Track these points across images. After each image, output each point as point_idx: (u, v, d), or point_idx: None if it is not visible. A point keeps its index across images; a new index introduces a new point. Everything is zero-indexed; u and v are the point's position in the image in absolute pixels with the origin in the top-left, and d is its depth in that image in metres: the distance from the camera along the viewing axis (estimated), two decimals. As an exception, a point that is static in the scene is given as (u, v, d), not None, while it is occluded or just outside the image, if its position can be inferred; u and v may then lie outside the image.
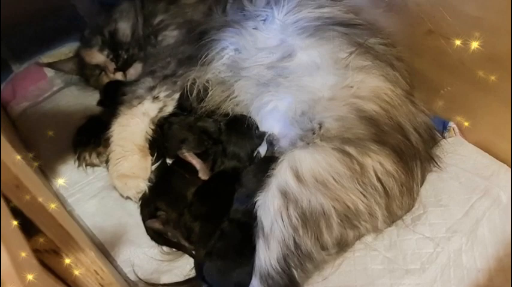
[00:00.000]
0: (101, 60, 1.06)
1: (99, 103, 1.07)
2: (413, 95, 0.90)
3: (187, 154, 0.92)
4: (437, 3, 0.86)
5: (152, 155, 0.95)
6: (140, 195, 0.91)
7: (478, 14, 0.80)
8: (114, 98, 0.98)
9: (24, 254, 0.36)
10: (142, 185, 0.91)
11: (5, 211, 0.37)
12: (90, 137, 0.98)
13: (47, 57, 1.15)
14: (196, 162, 0.92)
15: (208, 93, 0.95)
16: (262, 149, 0.94)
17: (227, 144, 0.93)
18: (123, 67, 1.05)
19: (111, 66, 1.05)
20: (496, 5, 0.76)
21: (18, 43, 1.15)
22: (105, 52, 1.05)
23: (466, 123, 0.96)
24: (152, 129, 0.96)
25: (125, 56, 1.04)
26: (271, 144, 0.91)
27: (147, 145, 0.95)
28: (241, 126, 0.93)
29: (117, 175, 0.92)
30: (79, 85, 1.13)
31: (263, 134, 0.93)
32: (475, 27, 0.80)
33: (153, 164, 0.94)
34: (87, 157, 0.97)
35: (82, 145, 0.98)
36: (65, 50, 1.17)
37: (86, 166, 0.98)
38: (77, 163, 0.98)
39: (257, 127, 0.93)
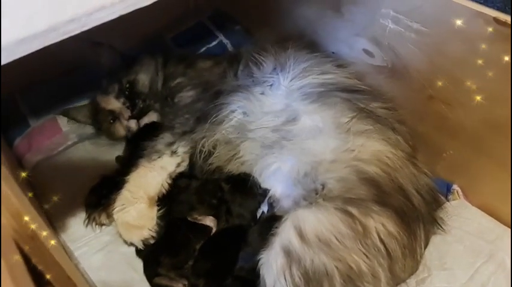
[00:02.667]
0: (116, 106, 1.10)
1: (118, 159, 1.11)
2: (416, 158, 0.92)
3: (200, 218, 0.94)
4: (437, 71, 0.90)
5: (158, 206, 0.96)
6: (146, 241, 0.92)
7: (477, 82, 0.83)
8: (134, 153, 1.02)
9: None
10: (146, 233, 0.92)
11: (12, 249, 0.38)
12: (101, 199, 1.00)
13: (62, 113, 1.20)
14: (209, 221, 0.94)
15: (215, 152, 0.98)
16: (265, 208, 0.95)
17: (232, 204, 0.95)
18: (138, 115, 1.09)
19: (126, 113, 1.08)
20: (494, 74, 0.80)
21: (37, 99, 1.22)
22: (121, 99, 1.09)
23: (469, 187, 0.98)
24: (169, 184, 0.98)
25: (141, 105, 1.09)
26: (271, 206, 0.93)
27: (156, 198, 0.97)
28: (245, 186, 0.95)
29: (122, 222, 0.94)
30: (92, 140, 1.17)
31: (265, 191, 0.94)
32: (474, 94, 0.83)
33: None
34: (97, 218, 1.00)
35: (93, 206, 1.00)
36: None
37: (95, 225, 1.00)
38: (86, 221, 1.00)
39: (260, 186, 0.95)
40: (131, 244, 0.94)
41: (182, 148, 0.99)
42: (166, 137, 1.01)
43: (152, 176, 0.97)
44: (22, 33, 0.45)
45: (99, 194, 1.01)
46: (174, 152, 0.99)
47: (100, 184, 1.03)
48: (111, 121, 1.11)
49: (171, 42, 1.37)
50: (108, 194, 0.98)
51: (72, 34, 0.48)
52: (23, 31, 0.45)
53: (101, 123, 1.14)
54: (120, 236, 0.95)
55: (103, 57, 1.14)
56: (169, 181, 0.98)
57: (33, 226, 0.42)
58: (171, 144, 0.99)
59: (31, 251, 0.41)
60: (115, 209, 0.95)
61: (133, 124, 1.09)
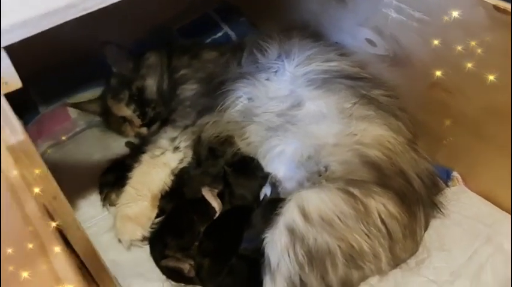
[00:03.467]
0: (128, 114, 1.12)
1: (128, 145, 1.14)
2: (417, 144, 0.95)
3: (210, 193, 0.96)
4: (438, 59, 0.92)
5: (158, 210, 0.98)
6: (132, 243, 0.94)
7: (477, 69, 0.85)
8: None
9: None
10: (139, 234, 0.94)
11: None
12: (116, 178, 1.03)
13: (71, 100, 1.22)
14: (216, 203, 0.96)
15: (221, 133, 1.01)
16: (268, 191, 0.97)
17: (234, 186, 0.97)
18: (149, 124, 1.10)
19: (138, 122, 1.10)
20: (494, 61, 0.82)
21: (46, 87, 1.24)
22: (132, 107, 1.11)
23: (468, 173, 1.00)
24: (171, 180, 0.99)
25: (152, 114, 1.10)
26: (274, 186, 0.95)
27: (159, 196, 0.98)
28: (247, 169, 0.98)
29: (122, 214, 0.96)
30: (101, 127, 1.20)
31: (267, 175, 0.97)
32: (475, 81, 0.85)
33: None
34: (114, 197, 1.02)
35: (109, 185, 1.03)
36: (88, 95, 1.24)
37: (110, 205, 1.02)
38: (102, 200, 1.03)
39: (262, 169, 0.98)
40: (119, 241, 0.95)
41: (184, 143, 1.01)
42: (169, 131, 1.03)
43: (155, 173, 0.99)
44: (43, 9, 0.47)
45: (113, 175, 1.04)
46: (176, 148, 1.01)
47: (113, 166, 1.06)
48: (122, 121, 1.14)
49: (177, 33, 1.39)
50: (121, 176, 1.00)
51: (91, 11, 0.50)
52: (45, 6, 0.47)
53: (112, 123, 1.17)
54: (114, 230, 0.96)
55: (111, 56, 1.16)
56: (172, 178, 1.00)
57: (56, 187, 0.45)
58: (173, 139, 1.01)
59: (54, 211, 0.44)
60: (119, 204, 0.97)
61: (144, 131, 1.11)
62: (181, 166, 1.01)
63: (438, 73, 0.92)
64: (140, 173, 0.99)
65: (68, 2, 0.48)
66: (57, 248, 0.41)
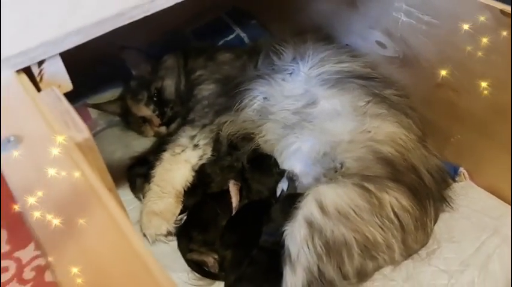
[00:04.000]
0: (147, 114, 1.16)
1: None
2: (426, 141, 0.98)
3: (236, 187, 1.01)
4: (446, 60, 0.96)
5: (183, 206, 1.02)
6: (156, 238, 0.98)
7: (483, 70, 0.89)
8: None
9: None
10: (164, 228, 0.97)
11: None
12: (145, 170, 1.07)
13: (92, 100, 1.26)
14: (235, 198, 1.01)
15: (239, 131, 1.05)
16: (285, 186, 1.01)
17: (251, 181, 1.02)
18: (168, 123, 1.15)
19: (157, 121, 1.15)
20: (499, 63, 0.86)
21: (67, 87, 1.28)
22: (151, 107, 1.15)
23: (475, 169, 1.04)
24: (192, 177, 1.03)
25: (170, 114, 1.14)
26: (291, 180, 0.99)
27: (183, 192, 1.02)
28: (263, 165, 1.02)
29: (148, 210, 1.00)
30: (121, 126, 1.24)
31: (283, 171, 1.01)
32: (480, 82, 0.88)
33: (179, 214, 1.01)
34: (142, 186, 1.05)
35: (140, 177, 1.07)
36: (108, 96, 1.28)
37: (143, 197, 1.04)
38: (120, 195, 1.05)
39: (278, 166, 1.02)
40: (144, 236, 0.98)
41: (203, 140, 1.05)
42: (188, 130, 1.06)
43: (177, 169, 1.03)
44: (96, 17, 0.52)
45: (141, 167, 1.09)
46: (196, 145, 1.04)
47: (138, 161, 1.11)
48: (142, 122, 1.18)
49: (192, 34, 1.43)
50: (148, 169, 1.05)
51: (136, 19, 0.55)
52: (97, 15, 0.52)
53: (132, 123, 1.21)
54: (140, 226, 0.99)
55: (130, 60, 1.20)
56: (193, 174, 1.04)
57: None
58: (193, 137, 1.05)
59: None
60: (144, 201, 1.01)
61: (163, 130, 1.16)
62: (201, 162, 1.05)
63: (445, 74, 0.95)
64: (163, 171, 1.02)
65: (118, 10, 0.52)
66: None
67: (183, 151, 1.04)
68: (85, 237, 0.39)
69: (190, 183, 1.03)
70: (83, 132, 0.45)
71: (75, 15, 0.52)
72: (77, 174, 0.41)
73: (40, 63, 0.51)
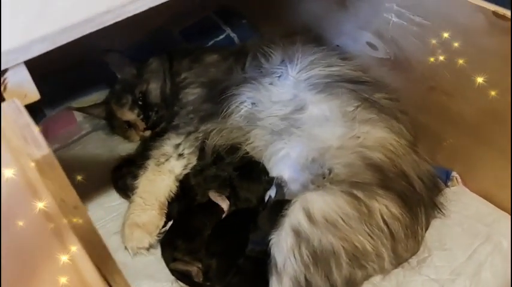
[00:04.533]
0: (132, 118, 1.13)
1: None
2: (417, 146, 0.97)
3: (219, 197, 0.99)
4: (438, 63, 0.93)
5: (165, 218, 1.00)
6: (138, 251, 0.95)
7: (476, 73, 0.86)
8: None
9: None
10: (146, 242, 0.95)
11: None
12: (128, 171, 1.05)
13: (77, 104, 1.23)
14: (225, 204, 0.99)
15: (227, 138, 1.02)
16: (273, 193, 0.99)
17: (239, 189, 1.00)
18: (153, 127, 1.12)
19: (142, 125, 1.12)
20: (492, 65, 0.83)
21: (52, 90, 1.25)
22: (136, 111, 1.12)
23: (467, 174, 1.02)
24: (176, 186, 1.01)
25: (155, 118, 1.11)
26: (280, 186, 0.97)
27: (166, 204, 1.00)
28: (252, 172, 1.00)
29: (130, 222, 0.97)
30: (106, 130, 1.21)
31: (271, 179, 0.99)
32: (473, 85, 0.86)
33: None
34: (130, 180, 1.03)
35: (127, 174, 1.05)
36: (94, 98, 1.25)
37: (129, 193, 1.02)
38: (105, 202, 1.06)
39: (267, 173, 1.00)
40: (126, 249, 0.96)
41: (188, 149, 1.02)
42: (172, 137, 1.04)
43: (161, 180, 1.00)
44: (63, 24, 0.49)
45: (126, 168, 1.07)
46: (180, 155, 1.02)
47: (123, 163, 1.09)
48: (127, 127, 1.15)
49: (179, 36, 1.40)
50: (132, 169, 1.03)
51: (106, 25, 0.52)
52: (64, 21, 0.49)
53: (116, 127, 1.18)
54: (122, 237, 0.97)
55: (113, 63, 1.18)
56: (177, 184, 1.01)
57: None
58: (177, 146, 1.02)
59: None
60: (127, 213, 0.99)
61: (148, 134, 1.13)
62: (185, 172, 1.02)
63: (437, 76, 0.94)
64: (146, 182, 1.00)
65: (87, 16, 0.50)
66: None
67: (167, 160, 1.01)
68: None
69: (174, 193, 1.00)
70: (42, 148, 0.42)
71: (40, 22, 0.49)
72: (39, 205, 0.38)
73: (3, 72, 0.48)
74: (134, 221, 0.97)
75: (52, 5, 0.50)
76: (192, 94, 1.09)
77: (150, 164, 1.01)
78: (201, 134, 1.03)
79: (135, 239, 0.95)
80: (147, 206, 0.98)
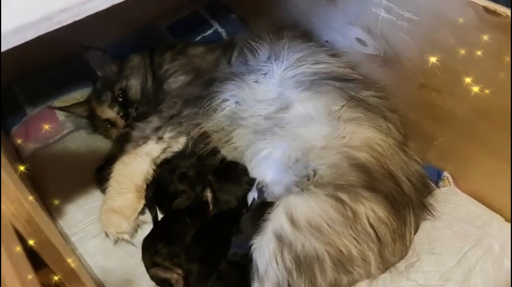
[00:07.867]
0: (112, 116, 1.10)
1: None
2: (407, 146, 0.94)
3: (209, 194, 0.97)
4: (428, 59, 0.91)
5: (145, 200, 0.98)
6: (119, 237, 0.93)
7: (467, 70, 0.84)
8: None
9: (31, 276, 0.39)
10: (125, 226, 0.93)
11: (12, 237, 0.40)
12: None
13: (59, 102, 1.20)
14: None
15: (208, 139, 1.00)
16: (256, 195, 0.96)
17: (218, 191, 0.98)
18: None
19: (121, 123, 1.09)
20: (483, 62, 0.81)
21: (33, 88, 1.22)
22: (115, 109, 1.10)
23: (459, 174, 1.00)
24: (154, 170, 1.00)
25: (134, 115, 1.08)
26: (261, 191, 0.95)
27: (145, 187, 0.98)
28: (231, 173, 0.98)
29: (107, 208, 0.95)
30: (88, 129, 1.18)
31: (253, 180, 0.96)
32: (464, 82, 0.84)
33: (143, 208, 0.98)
34: None
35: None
36: (77, 95, 1.22)
37: None
38: (85, 204, 1.03)
39: (247, 174, 0.97)
40: (106, 235, 0.95)
41: (168, 133, 1.00)
42: (155, 121, 1.02)
43: (137, 163, 0.98)
44: (17, 23, 0.46)
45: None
46: (160, 138, 1.00)
47: (107, 161, 1.04)
48: (108, 126, 1.12)
49: (167, 31, 1.37)
50: None
51: (65, 24, 0.49)
52: (18, 20, 0.46)
53: (98, 126, 1.15)
54: (100, 223, 0.95)
55: (94, 60, 1.16)
56: (154, 167, 1.00)
57: (30, 210, 0.44)
58: (157, 129, 1.00)
59: (28, 234, 0.43)
60: (104, 199, 0.97)
61: None
62: (163, 156, 1.01)
63: (427, 73, 0.92)
64: (122, 165, 0.98)
65: (43, 15, 0.46)
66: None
67: (145, 143, 0.99)
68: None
69: (152, 177, 0.99)
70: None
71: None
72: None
73: None
74: (111, 206, 0.95)
75: (4, 2, 0.46)
76: (175, 82, 1.07)
77: (128, 146, 0.99)
78: (184, 119, 1.01)
79: (112, 224, 0.93)
80: (123, 190, 0.96)
